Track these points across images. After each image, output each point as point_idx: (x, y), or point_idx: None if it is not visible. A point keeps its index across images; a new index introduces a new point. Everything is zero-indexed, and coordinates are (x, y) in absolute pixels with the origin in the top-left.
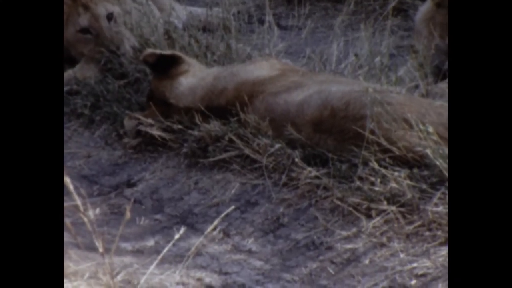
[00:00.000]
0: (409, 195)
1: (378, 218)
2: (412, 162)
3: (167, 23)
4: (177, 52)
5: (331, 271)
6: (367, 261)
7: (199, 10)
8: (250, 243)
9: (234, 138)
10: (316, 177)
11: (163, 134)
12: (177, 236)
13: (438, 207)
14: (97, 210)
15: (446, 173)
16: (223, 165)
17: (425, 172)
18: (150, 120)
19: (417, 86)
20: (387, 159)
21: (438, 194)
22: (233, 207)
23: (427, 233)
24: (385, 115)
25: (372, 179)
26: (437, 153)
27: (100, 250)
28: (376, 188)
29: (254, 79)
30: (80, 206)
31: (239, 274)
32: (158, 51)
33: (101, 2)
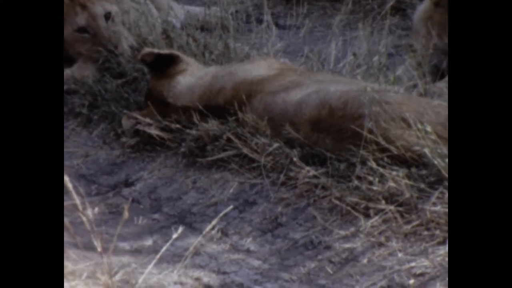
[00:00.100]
0: (407, 195)
1: (376, 218)
2: (410, 161)
3: (165, 22)
4: (175, 51)
5: (329, 270)
6: (365, 261)
7: (197, 9)
8: (248, 242)
9: (232, 137)
10: (314, 176)
11: (161, 134)
12: (175, 236)
13: (436, 206)
14: (95, 210)
15: (444, 172)
16: (221, 164)
17: (423, 172)
18: (148, 120)
19: (415, 85)
20: (385, 158)
21: (436, 193)
22: (231, 206)
23: (425, 233)
24: (383, 114)
25: (370, 178)
26: (435, 152)
27: (98, 249)
28: (374, 188)
29: (252, 78)
30: (79, 205)
31: (237, 274)
32: (156, 50)
33: (99, 2)
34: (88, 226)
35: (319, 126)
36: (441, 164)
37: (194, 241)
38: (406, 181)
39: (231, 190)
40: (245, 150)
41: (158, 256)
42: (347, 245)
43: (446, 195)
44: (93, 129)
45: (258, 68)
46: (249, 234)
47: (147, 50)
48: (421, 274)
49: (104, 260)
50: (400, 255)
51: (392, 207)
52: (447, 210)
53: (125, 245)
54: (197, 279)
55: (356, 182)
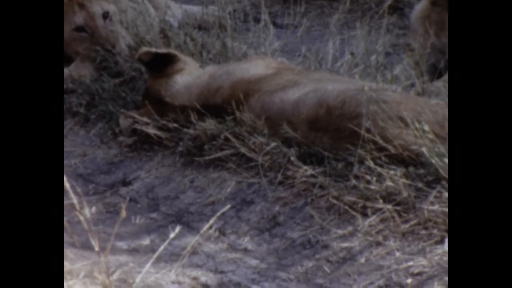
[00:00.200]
0: (405, 194)
1: (374, 217)
2: (408, 161)
3: (163, 22)
4: (173, 51)
5: (327, 269)
6: (363, 260)
7: (194, 9)
8: (245, 241)
9: (229, 136)
10: (312, 175)
11: (159, 133)
12: (172, 235)
13: (434, 205)
14: (93, 209)
15: (442, 172)
16: (219, 163)
17: (421, 171)
18: (145, 119)
19: (412, 85)
20: (383, 158)
21: (434, 192)
22: (228, 205)
23: (423, 232)
24: (381, 113)
25: (368, 177)
26: (433, 152)
27: (96, 248)
28: (372, 187)
29: (250, 77)
30: (76, 205)
31: (234, 273)
32: (153, 50)
33: (97, 1)
34: (86, 225)
35: (316, 125)
36: (439, 163)
37: (192, 240)
38: (404, 180)
39: (228, 189)
40: (243, 149)
41: (155, 255)
42: (345, 244)
43: (444, 194)
44: (90, 128)
45: (256, 67)
46: (247, 233)
47: (144, 49)
48: (419, 273)
49: (101, 259)
50: (397, 254)
51: (390, 206)
52: (444, 209)
53: (122, 244)
54: (195, 278)
55: (353, 181)
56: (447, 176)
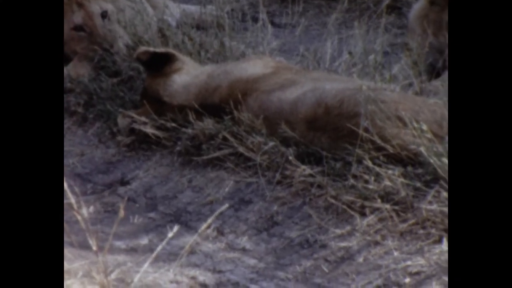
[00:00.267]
0: (403, 193)
1: (372, 216)
2: (406, 160)
3: (161, 21)
4: (171, 50)
5: (325, 269)
6: (361, 259)
7: (192, 8)
8: (244, 241)
9: (228, 136)
10: (310, 175)
11: (157, 132)
12: (170, 235)
13: (432, 205)
14: (91, 208)
15: (440, 171)
16: (217, 163)
17: (419, 170)
18: (143, 118)
19: (411, 84)
20: (381, 157)
21: (432, 192)
22: (227, 205)
23: (421, 231)
24: (379, 113)
25: (366, 177)
26: (431, 151)
27: (94, 248)
28: (370, 186)
29: (248, 77)
30: (74, 204)
31: (233, 272)
32: (151, 49)
33: (95, 0)
34: (84, 225)
35: (314, 125)
36: (437, 162)
37: (190, 239)
38: (402, 179)
39: (226, 189)
40: (241, 149)
41: (153, 255)
42: (343, 244)
43: (442, 194)
44: (88, 128)
45: (254, 66)
46: (245, 232)
47: (142, 48)
48: (417, 273)
49: (99, 259)
50: (396, 253)
51: (388, 206)
52: (443, 208)
53: (120, 244)
54: (193, 277)
55: (352, 181)
56: (445, 176)
